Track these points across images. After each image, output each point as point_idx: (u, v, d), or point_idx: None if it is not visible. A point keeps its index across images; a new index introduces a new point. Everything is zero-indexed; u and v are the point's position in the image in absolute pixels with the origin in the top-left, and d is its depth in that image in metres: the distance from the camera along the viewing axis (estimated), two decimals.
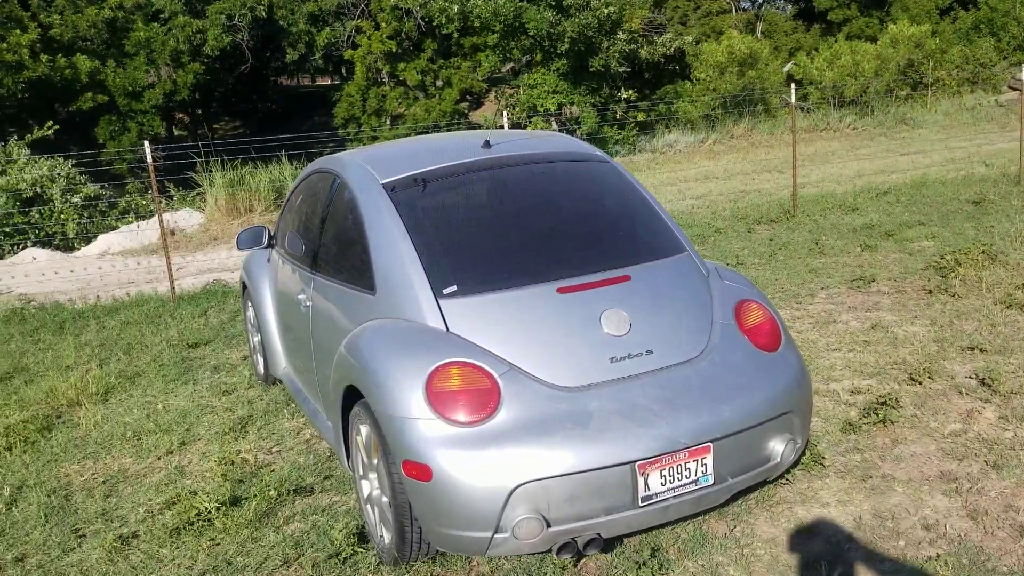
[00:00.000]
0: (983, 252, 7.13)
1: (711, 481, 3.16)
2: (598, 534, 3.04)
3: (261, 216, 12.99)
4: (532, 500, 2.96)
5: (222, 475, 4.10)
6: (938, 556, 3.15)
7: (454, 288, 3.34)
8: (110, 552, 3.68)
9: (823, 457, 3.96)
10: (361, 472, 3.59)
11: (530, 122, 18.30)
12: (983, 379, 4.73)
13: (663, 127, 19.64)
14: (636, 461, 2.99)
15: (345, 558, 3.45)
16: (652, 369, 3.22)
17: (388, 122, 26.51)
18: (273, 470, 4.33)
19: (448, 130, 23.79)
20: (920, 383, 4.73)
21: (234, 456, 4.47)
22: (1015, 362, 4.97)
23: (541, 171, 3.85)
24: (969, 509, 3.45)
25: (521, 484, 2.92)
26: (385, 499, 3.36)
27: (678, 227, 3.86)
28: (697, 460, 3.12)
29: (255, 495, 3.94)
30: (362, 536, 3.60)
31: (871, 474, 3.79)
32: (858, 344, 5.50)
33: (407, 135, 22.78)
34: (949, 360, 5.07)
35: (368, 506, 3.56)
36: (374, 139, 24.22)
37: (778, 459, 3.33)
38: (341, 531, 3.55)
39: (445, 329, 3.25)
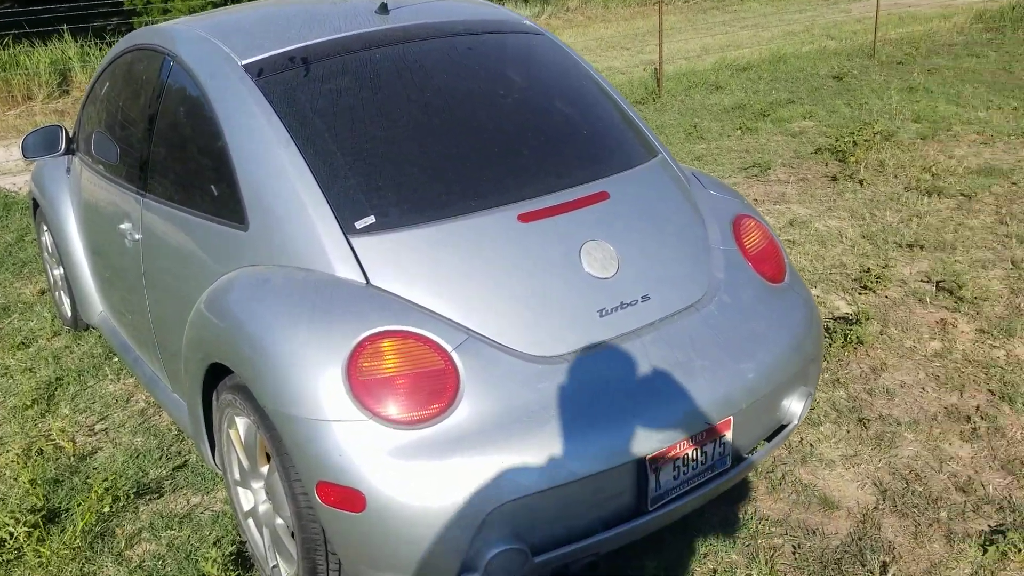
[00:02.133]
0: (878, 133, 6.69)
1: (729, 464, 2.40)
2: (597, 554, 2.22)
3: (44, 105, 10.94)
4: (511, 525, 2.08)
5: (29, 479, 2.96)
6: (994, 530, 2.56)
7: (370, 220, 2.31)
8: None
9: None
10: (237, 477, 2.58)
11: None
12: (939, 283, 4.21)
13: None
14: (648, 455, 2.17)
15: None
16: (652, 321, 2.36)
17: None
18: (100, 463, 3.22)
19: None
20: (873, 291, 4.17)
21: (43, 442, 3.30)
22: (961, 259, 4.49)
23: (466, 47, 2.81)
24: (1000, 458, 2.88)
25: (497, 507, 2.04)
26: (280, 521, 2.39)
27: (642, 119, 2.96)
28: (715, 440, 2.34)
29: (81, 508, 2.84)
30: (242, 558, 2.63)
31: (868, 416, 3.16)
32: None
33: (211, 4, 20.25)
34: (891, 261, 4.54)
35: (251, 523, 2.57)
36: (166, 13, 21.39)
37: (796, 420, 2.60)
38: (213, 557, 2.55)
39: (364, 281, 2.24)
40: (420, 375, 2.08)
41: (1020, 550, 2.43)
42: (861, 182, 5.86)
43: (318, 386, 2.06)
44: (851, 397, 3.29)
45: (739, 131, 7.64)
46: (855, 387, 3.35)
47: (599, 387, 2.18)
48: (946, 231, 4.89)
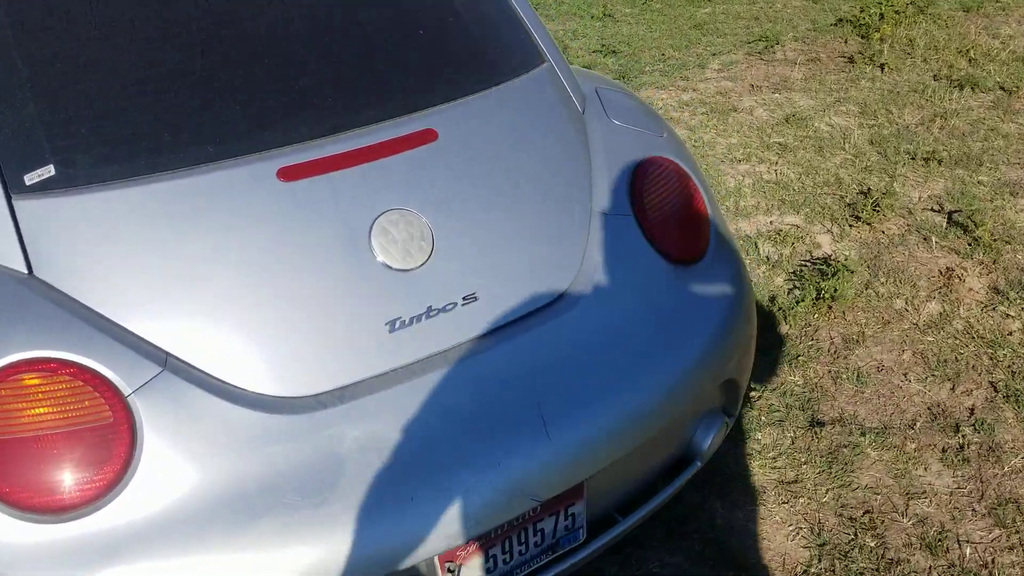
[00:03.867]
0: (911, 3, 5.59)
1: (582, 537, 1.68)
2: None
3: None
4: None
5: None
6: None
7: (49, 171, 1.52)
8: None
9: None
10: None
11: None
12: (952, 214, 3.35)
13: None
14: (438, 554, 1.45)
15: None
16: (476, 335, 1.59)
17: None
18: None
19: None
20: (868, 223, 3.31)
21: None
22: (986, 179, 3.60)
23: None
24: (989, 498, 2.13)
25: None
26: None
27: (526, 3, 2.06)
28: (558, 514, 1.61)
29: None
30: None
31: (824, 417, 2.40)
32: (771, 150, 3.99)
33: None
34: (899, 179, 3.65)
35: None
36: None
37: (698, 461, 1.86)
38: None
39: (25, 270, 1.47)
40: (71, 435, 1.35)
41: None
42: (882, 66, 4.86)
43: None
44: (809, 384, 2.52)
45: None
46: (817, 369, 2.58)
47: (367, 451, 1.43)
48: (974, 138, 3.96)
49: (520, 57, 1.90)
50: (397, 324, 1.52)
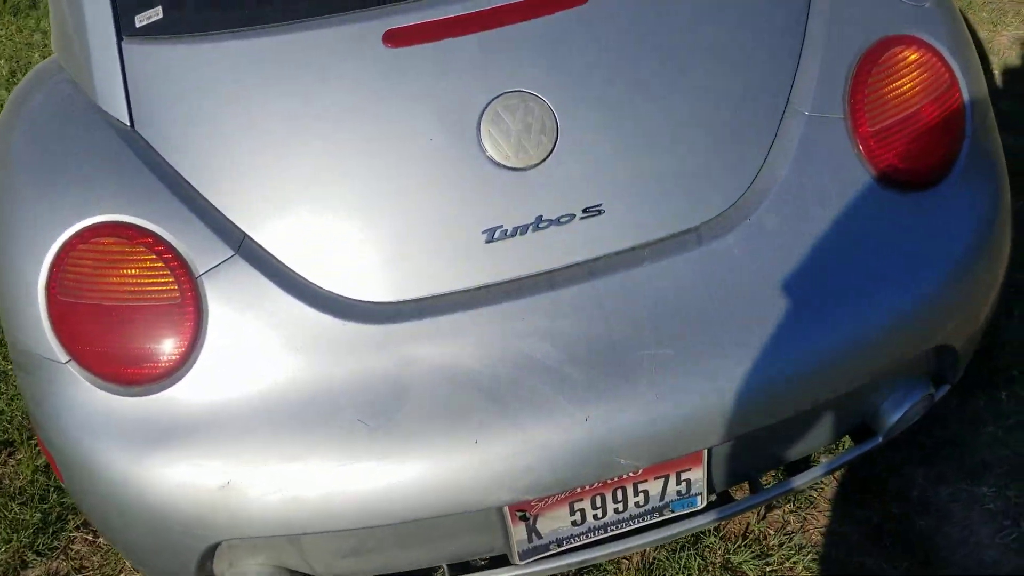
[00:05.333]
0: None
1: (700, 504, 1.42)
2: None
3: None
4: (271, 554, 1.36)
5: None
6: None
7: (157, 15, 1.40)
8: None
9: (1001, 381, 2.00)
10: None
11: None
12: None
13: None
14: (509, 504, 1.27)
15: None
16: (589, 259, 1.31)
17: None
18: None
19: None
20: None
21: None
22: None
23: None
24: None
25: (228, 540, 1.30)
26: None
27: None
28: (667, 478, 1.35)
29: None
30: None
31: None
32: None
33: None
34: None
35: None
36: None
37: (881, 436, 1.50)
38: None
39: (128, 121, 1.39)
40: (140, 309, 1.29)
41: None
42: None
43: (17, 294, 1.35)
44: None
45: None
46: None
47: (436, 377, 1.26)
48: None
49: None
50: (496, 233, 1.29)
